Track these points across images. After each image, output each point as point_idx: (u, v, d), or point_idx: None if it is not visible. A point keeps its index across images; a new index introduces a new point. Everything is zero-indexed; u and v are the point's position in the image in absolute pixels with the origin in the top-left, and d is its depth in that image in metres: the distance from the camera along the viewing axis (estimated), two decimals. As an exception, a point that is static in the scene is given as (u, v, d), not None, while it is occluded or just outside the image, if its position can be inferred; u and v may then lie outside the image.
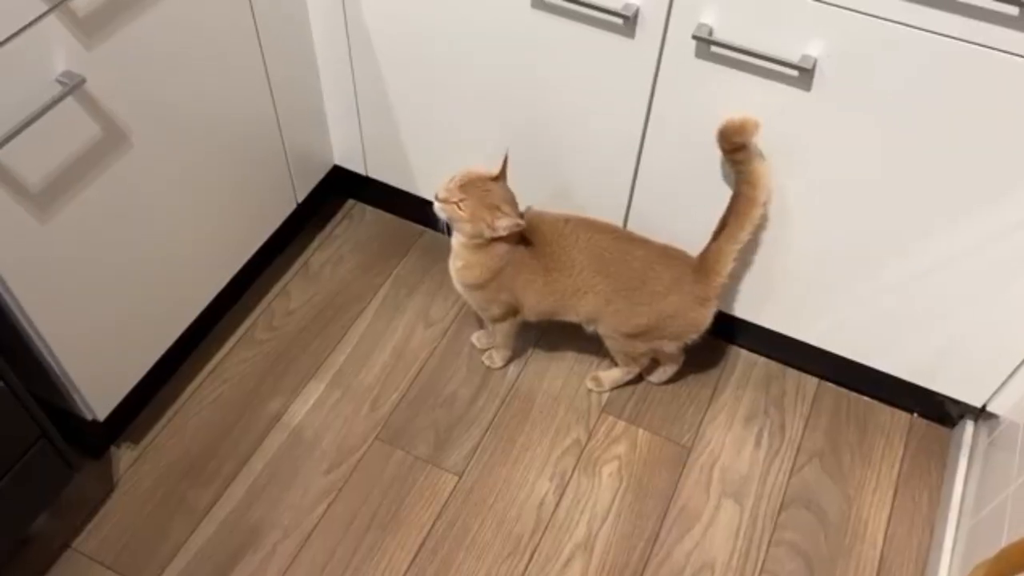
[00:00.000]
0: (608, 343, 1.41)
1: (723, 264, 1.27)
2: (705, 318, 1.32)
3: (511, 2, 1.19)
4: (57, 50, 0.98)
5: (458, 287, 1.37)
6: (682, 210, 1.32)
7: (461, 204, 1.24)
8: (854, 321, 1.33)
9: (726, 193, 1.24)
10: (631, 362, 1.43)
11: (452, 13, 1.25)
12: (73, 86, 0.99)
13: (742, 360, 1.54)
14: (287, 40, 1.36)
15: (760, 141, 1.17)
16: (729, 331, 1.54)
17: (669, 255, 1.31)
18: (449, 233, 1.33)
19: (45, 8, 0.95)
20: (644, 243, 1.32)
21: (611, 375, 1.47)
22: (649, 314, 1.31)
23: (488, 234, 1.26)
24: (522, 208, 1.30)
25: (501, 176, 1.27)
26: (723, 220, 1.24)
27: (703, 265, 1.28)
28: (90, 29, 1.01)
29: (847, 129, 1.10)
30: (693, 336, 1.34)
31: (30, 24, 0.94)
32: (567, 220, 1.32)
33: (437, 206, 1.26)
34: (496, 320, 1.41)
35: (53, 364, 1.16)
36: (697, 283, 1.29)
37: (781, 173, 1.19)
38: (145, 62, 1.11)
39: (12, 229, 1.02)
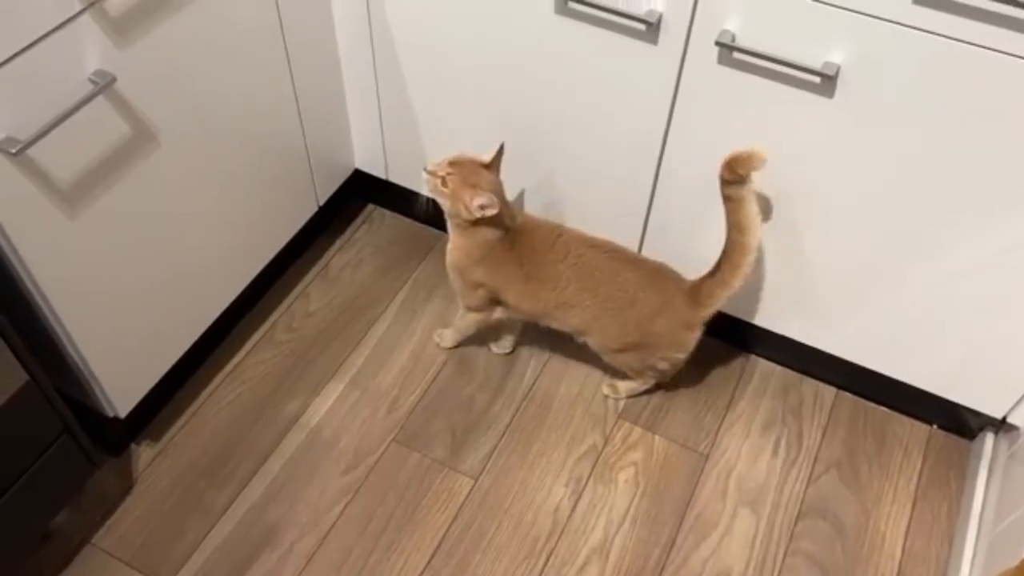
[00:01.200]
0: (603, 357, 1.41)
1: (713, 303, 1.28)
2: (690, 342, 1.33)
3: (534, 8, 1.20)
4: (89, 49, 1.00)
5: (448, 269, 1.40)
6: (702, 221, 1.32)
7: (447, 178, 1.27)
8: (873, 330, 1.33)
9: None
10: (639, 375, 1.44)
11: (475, 19, 1.26)
12: (104, 85, 1.01)
13: (760, 368, 1.54)
14: (313, 45, 1.38)
15: (779, 152, 1.17)
16: (747, 339, 1.54)
17: (661, 278, 1.32)
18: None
19: (79, 7, 0.97)
20: (637, 263, 1.33)
21: (627, 383, 1.47)
22: (636, 333, 1.32)
23: (464, 214, 1.27)
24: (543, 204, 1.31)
25: (493, 165, 1.30)
26: (718, 263, 1.25)
27: (694, 295, 1.29)
28: (122, 28, 1.03)
29: (870, 136, 1.10)
30: (678, 356, 1.36)
31: (64, 23, 0.96)
32: (560, 233, 1.33)
33: (424, 176, 1.30)
34: (470, 309, 1.43)
35: (77, 360, 1.18)
36: (687, 308, 1.30)
37: (800, 181, 1.19)
38: (174, 62, 1.13)
39: (42, 225, 1.03)
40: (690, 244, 1.35)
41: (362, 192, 1.75)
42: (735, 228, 1.19)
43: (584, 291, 1.31)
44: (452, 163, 1.29)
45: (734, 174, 1.14)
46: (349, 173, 1.64)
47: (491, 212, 1.26)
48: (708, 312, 1.29)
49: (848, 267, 1.27)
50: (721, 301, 1.27)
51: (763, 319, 1.42)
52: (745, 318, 1.43)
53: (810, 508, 1.37)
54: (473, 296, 1.39)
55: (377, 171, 1.63)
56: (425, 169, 1.30)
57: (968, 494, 1.36)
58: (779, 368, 1.54)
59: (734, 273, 1.23)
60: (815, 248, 1.27)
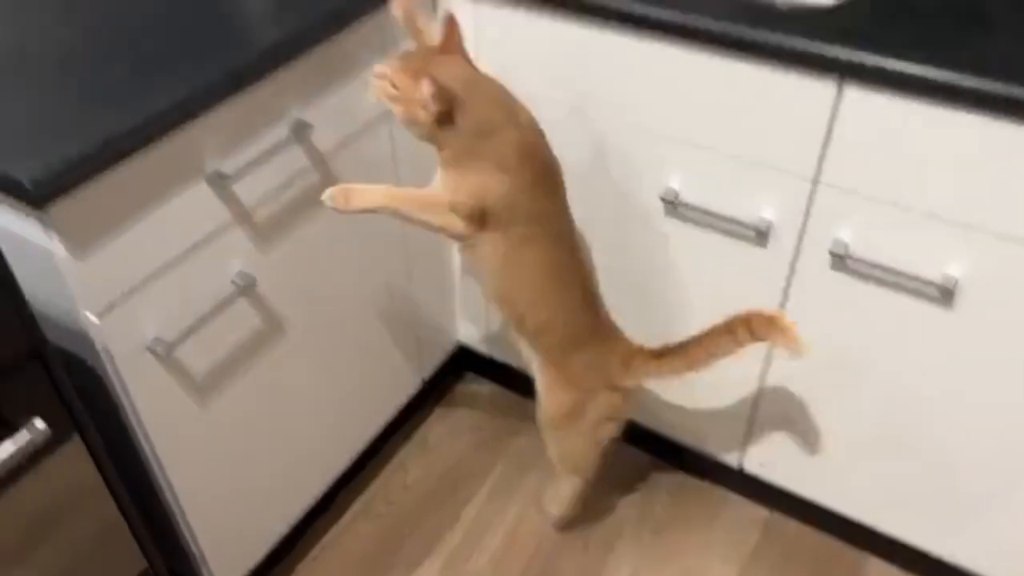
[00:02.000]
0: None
1: (640, 379, 1.24)
2: (617, 408, 1.28)
3: (645, 211, 1.24)
4: (235, 254, 1.08)
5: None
6: (809, 420, 1.29)
7: (395, 79, 0.99)
8: (1006, 540, 1.25)
9: (863, 423, 1.23)
10: (572, 465, 1.40)
11: (587, 219, 1.31)
12: (245, 286, 1.08)
13: (875, 569, 1.45)
14: (430, 240, 1.45)
15: (896, 355, 1.15)
16: (864, 540, 1.46)
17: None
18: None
19: (230, 218, 1.05)
20: None
21: (561, 490, 1.44)
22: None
23: (423, 116, 0.98)
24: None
25: (448, 45, 0.99)
26: (666, 352, 1.20)
27: (627, 360, 1.23)
28: (265, 234, 1.11)
29: (993, 349, 1.08)
30: (611, 424, 1.31)
31: (215, 232, 1.04)
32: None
33: (373, 84, 1.02)
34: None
35: (190, 539, 1.20)
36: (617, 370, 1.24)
37: (916, 388, 1.17)
38: (307, 262, 1.20)
39: (176, 416, 1.09)
40: (797, 445, 1.32)
41: (461, 363, 1.78)
42: (706, 352, 1.17)
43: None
44: (400, 57, 1.01)
45: (752, 334, 1.12)
46: (453, 348, 1.68)
47: (441, 101, 0.95)
48: (631, 382, 1.25)
49: (968, 475, 1.21)
50: (646, 381, 1.25)
51: (885, 523, 1.35)
52: (864, 521, 1.37)
53: None
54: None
55: (479, 346, 1.67)
56: (373, 74, 1.02)
57: None
58: (896, 569, 1.45)
59: (672, 372, 1.20)
60: (936, 452, 1.22)
